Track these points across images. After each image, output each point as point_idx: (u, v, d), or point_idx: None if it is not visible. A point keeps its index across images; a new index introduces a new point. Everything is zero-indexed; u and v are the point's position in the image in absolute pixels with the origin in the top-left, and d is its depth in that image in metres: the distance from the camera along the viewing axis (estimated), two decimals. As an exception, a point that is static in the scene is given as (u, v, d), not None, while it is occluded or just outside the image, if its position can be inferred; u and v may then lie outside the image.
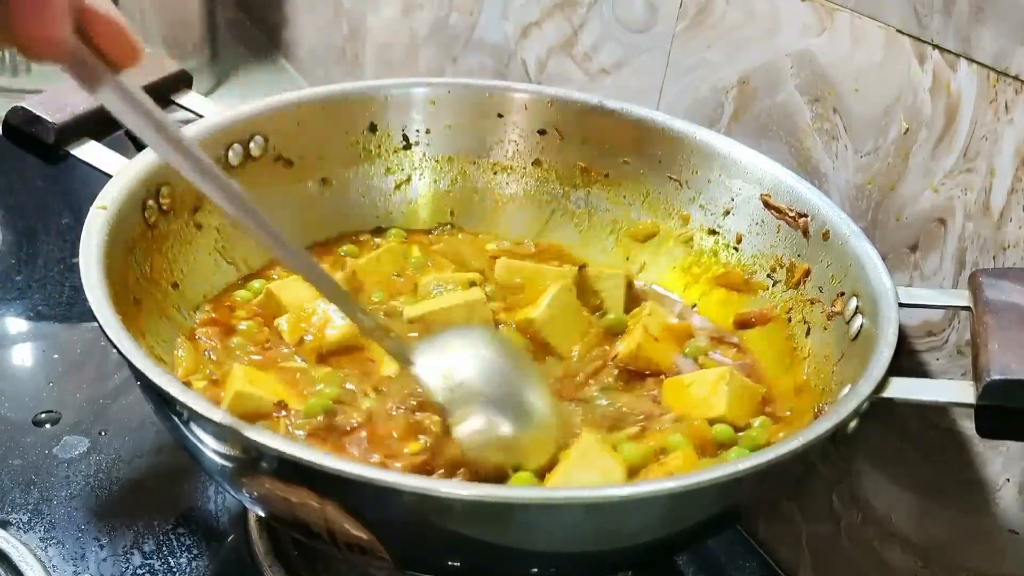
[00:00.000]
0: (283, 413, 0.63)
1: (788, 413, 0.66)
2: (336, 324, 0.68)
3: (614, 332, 0.73)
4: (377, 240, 0.83)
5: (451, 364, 0.60)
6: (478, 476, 0.58)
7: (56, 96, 0.71)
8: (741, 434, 0.64)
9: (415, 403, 0.63)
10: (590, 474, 0.58)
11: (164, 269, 0.70)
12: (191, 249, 0.73)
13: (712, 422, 0.64)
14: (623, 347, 0.70)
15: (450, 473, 0.58)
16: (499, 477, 0.58)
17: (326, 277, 0.59)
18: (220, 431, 0.51)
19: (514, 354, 0.64)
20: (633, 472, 0.59)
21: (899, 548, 0.67)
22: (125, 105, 0.49)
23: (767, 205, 0.73)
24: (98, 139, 0.71)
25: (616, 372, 0.69)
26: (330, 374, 0.67)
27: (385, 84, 0.84)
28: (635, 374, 0.69)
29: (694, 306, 0.77)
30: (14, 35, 0.44)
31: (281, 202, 0.79)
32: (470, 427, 0.58)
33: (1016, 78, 0.57)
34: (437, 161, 0.85)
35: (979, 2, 0.58)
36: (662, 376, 0.69)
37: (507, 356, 0.63)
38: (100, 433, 0.80)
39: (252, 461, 0.52)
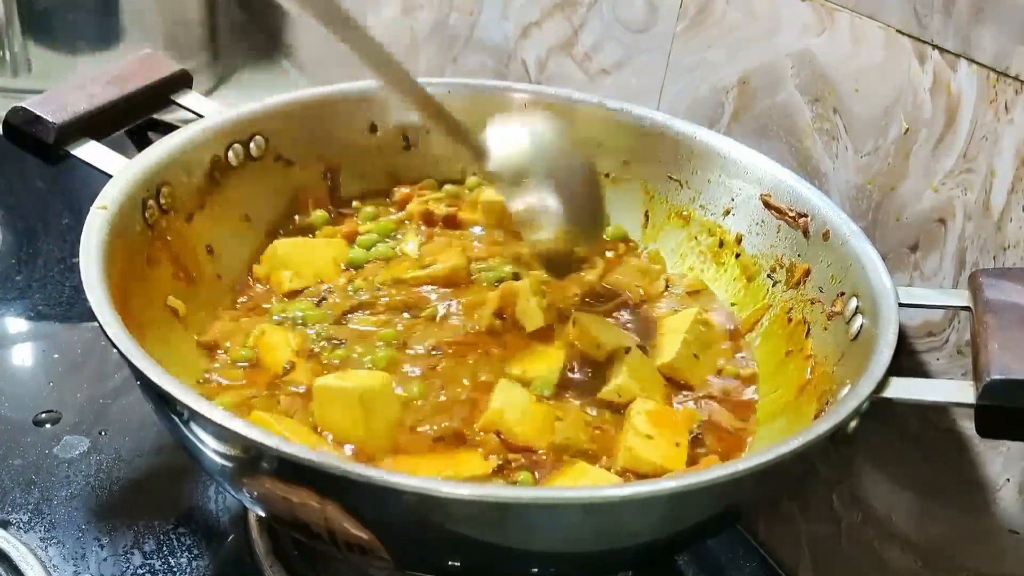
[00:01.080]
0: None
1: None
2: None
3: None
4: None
5: (518, 158, 0.65)
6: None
7: (56, 96, 0.71)
8: None
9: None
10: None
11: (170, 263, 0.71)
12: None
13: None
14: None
15: None
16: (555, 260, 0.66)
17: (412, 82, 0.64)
18: (220, 431, 0.51)
19: (571, 149, 0.67)
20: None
21: (899, 548, 0.67)
22: None
23: (767, 205, 0.73)
24: (98, 139, 0.71)
25: None
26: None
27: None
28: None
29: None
30: None
31: (281, 202, 0.79)
32: (522, 203, 0.65)
33: (1016, 78, 0.57)
34: (437, 161, 0.85)
35: (979, 2, 0.58)
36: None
37: (567, 150, 0.67)
38: (100, 433, 0.80)
39: (252, 461, 0.52)
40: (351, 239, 0.78)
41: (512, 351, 0.68)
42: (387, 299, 0.72)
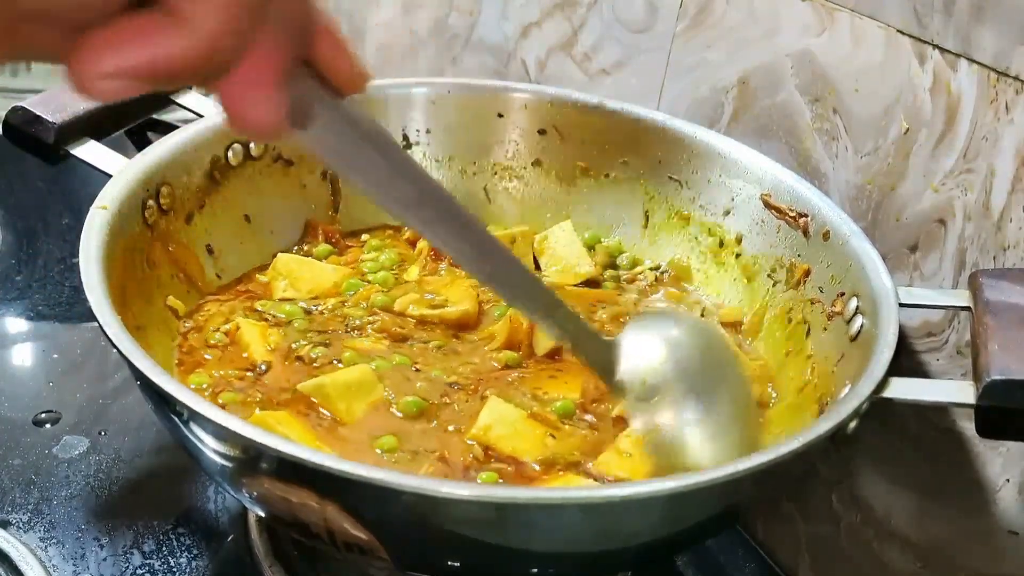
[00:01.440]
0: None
1: None
2: None
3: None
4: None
5: (648, 371, 0.57)
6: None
7: (56, 96, 0.71)
8: None
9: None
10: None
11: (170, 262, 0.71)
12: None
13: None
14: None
15: None
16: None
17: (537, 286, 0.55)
18: (220, 431, 0.51)
19: (719, 352, 0.60)
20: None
21: (899, 548, 0.67)
22: (343, 140, 0.44)
23: (767, 205, 0.73)
24: (98, 139, 0.71)
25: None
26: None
27: (385, 84, 0.84)
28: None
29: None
30: (229, 118, 0.41)
31: (281, 202, 0.79)
32: (646, 422, 0.57)
33: (1016, 78, 0.57)
34: (438, 161, 0.85)
35: (979, 2, 0.58)
36: None
37: (712, 356, 0.59)
38: (100, 433, 0.80)
39: (252, 461, 0.52)
40: (354, 267, 0.78)
41: (532, 378, 0.67)
42: (378, 324, 0.71)
